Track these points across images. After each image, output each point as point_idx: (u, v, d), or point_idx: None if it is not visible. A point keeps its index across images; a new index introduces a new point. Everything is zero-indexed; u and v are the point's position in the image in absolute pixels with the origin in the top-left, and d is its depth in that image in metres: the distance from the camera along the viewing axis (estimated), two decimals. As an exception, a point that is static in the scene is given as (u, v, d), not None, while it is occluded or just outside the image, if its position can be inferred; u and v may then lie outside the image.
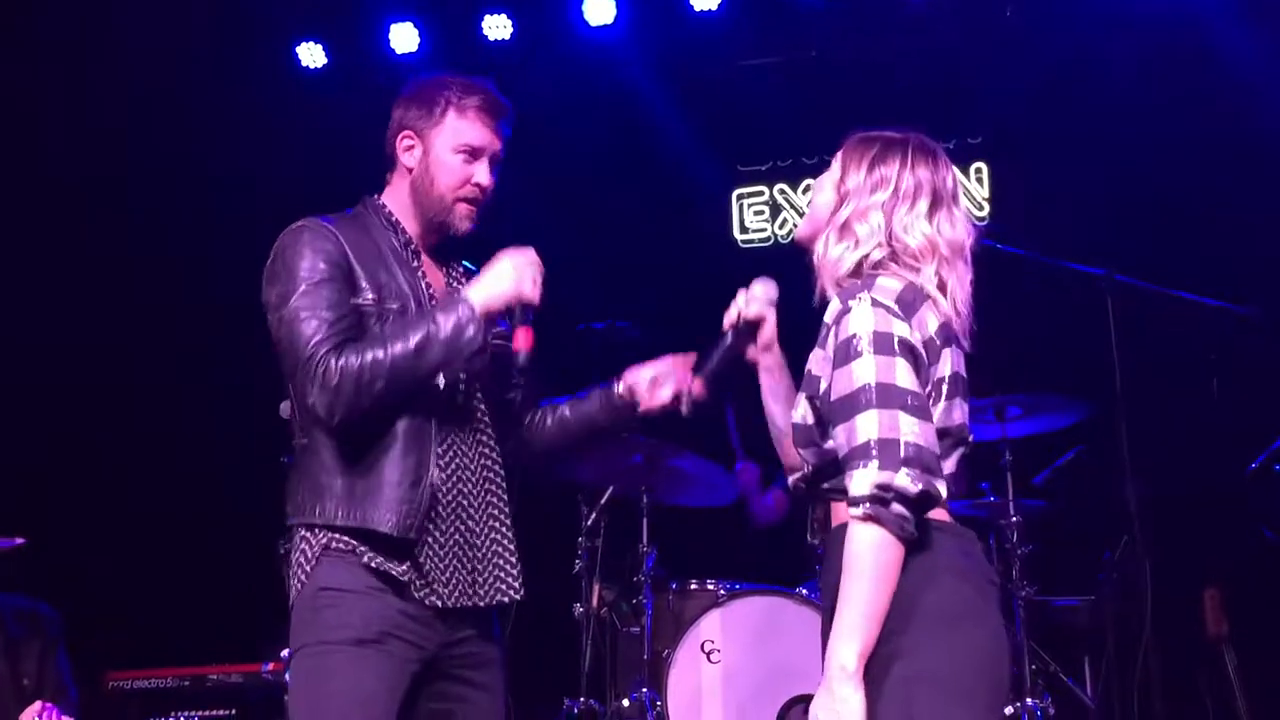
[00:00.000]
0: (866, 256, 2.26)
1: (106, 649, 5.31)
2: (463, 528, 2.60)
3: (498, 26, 6.10)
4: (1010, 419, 4.66)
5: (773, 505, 5.37)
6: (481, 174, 2.69)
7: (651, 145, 6.36)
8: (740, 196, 6.59)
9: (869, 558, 2.08)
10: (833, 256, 2.29)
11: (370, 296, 2.58)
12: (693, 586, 4.67)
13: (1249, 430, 4.78)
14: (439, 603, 2.54)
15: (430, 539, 2.55)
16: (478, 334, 2.53)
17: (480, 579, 2.61)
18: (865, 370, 2.14)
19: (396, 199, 2.73)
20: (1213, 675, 4.99)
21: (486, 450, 2.68)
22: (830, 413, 2.19)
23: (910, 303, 2.21)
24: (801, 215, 6.49)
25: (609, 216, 6.29)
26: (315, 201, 2.79)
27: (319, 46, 6.24)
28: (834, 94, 6.17)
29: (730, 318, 2.53)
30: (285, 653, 3.65)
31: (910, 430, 2.10)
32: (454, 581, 2.56)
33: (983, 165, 6.23)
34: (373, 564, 2.50)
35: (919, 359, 2.18)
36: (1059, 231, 5.20)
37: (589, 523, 4.72)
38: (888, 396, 2.12)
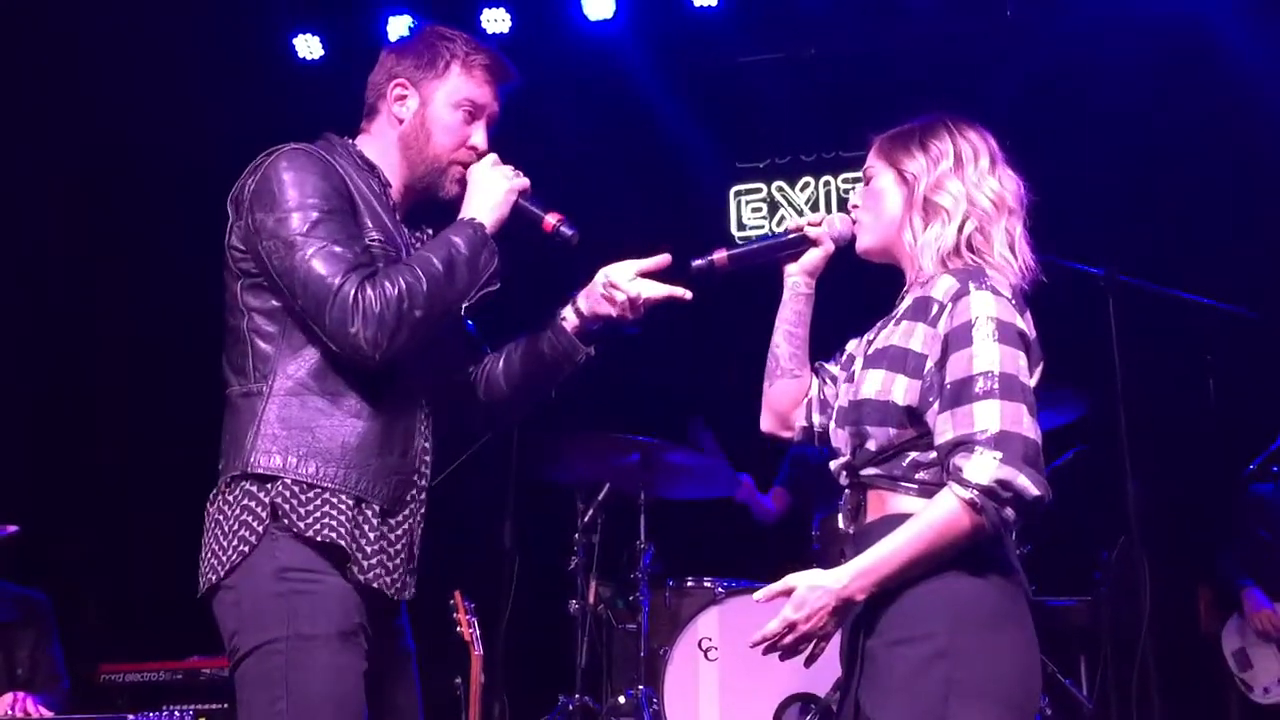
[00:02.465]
0: (962, 228, 2.21)
1: (99, 641, 5.30)
2: (410, 509, 2.39)
3: (496, 20, 6.07)
4: (1009, 418, 4.64)
5: (773, 509, 5.37)
6: (479, 136, 2.52)
7: (649, 141, 6.35)
8: (738, 193, 6.58)
9: (945, 533, 2.02)
10: (929, 237, 2.22)
11: (376, 236, 2.39)
12: (690, 584, 4.66)
13: (1247, 431, 4.78)
14: (386, 591, 2.31)
15: (396, 519, 2.35)
16: (493, 255, 2.39)
17: (410, 569, 2.39)
18: (990, 357, 2.06)
19: (377, 150, 2.51)
20: (1209, 674, 5.00)
21: (425, 427, 2.45)
22: (938, 394, 2.09)
23: (1022, 297, 2.19)
24: (799, 212, 6.53)
25: (606, 213, 6.26)
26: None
27: (316, 38, 6.22)
28: (833, 92, 6.17)
29: (793, 223, 2.48)
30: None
31: (1030, 427, 2.04)
32: (398, 569, 2.34)
33: (982, 163, 6.21)
34: (311, 531, 2.24)
35: (1033, 356, 2.15)
36: (1058, 231, 5.16)
37: (585, 519, 4.70)
38: (1011, 388, 2.05)
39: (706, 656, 4.45)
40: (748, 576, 4.66)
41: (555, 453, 4.68)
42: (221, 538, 2.30)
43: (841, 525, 2.32)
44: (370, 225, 2.39)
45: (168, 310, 6.07)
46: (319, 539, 2.25)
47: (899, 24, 6.10)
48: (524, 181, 2.49)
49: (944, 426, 2.07)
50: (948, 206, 2.23)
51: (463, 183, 2.50)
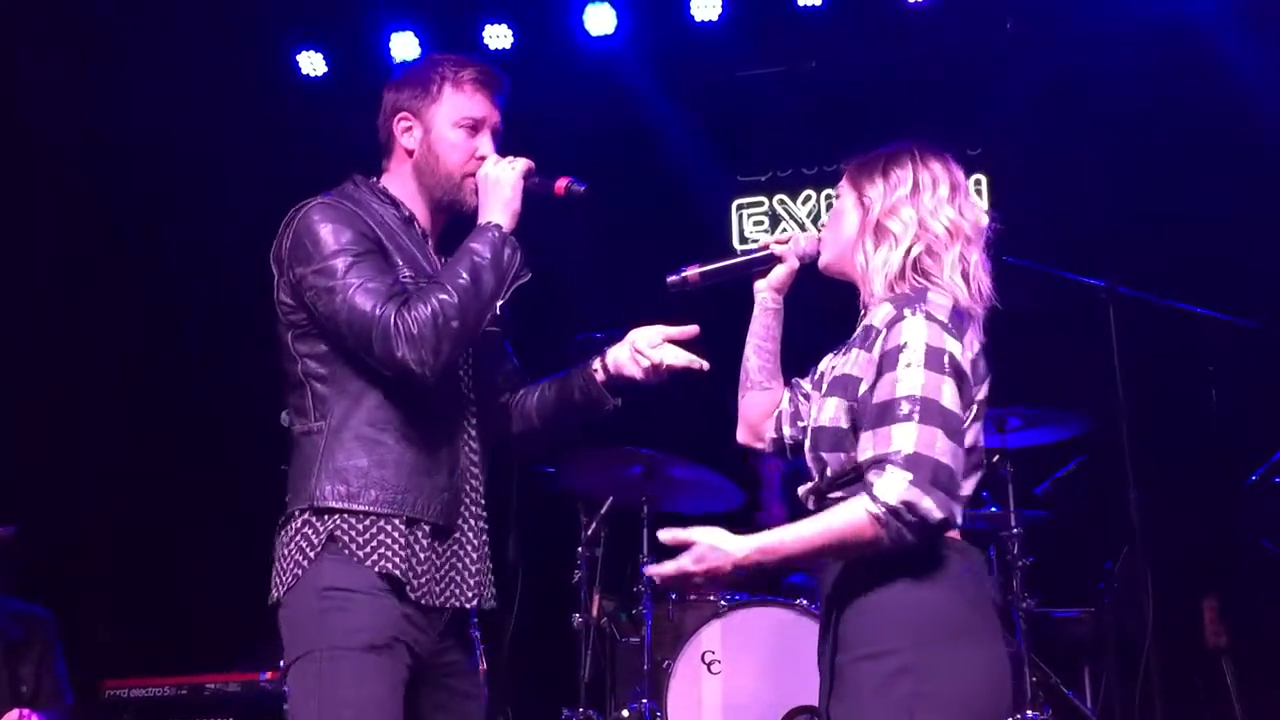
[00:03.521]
0: (909, 251, 2.28)
1: (104, 657, 5.30)
2: (464, 523, 2.58)
3: (498, 36, 6.10)
4: (1011, 430, 4.66)
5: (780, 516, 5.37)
6: (486, 146, 2.64)
7: (651, 155, 6.36)
8: (740, 206, 6.60)
9: (847, 537, 2.10)
10: (878, 262, 2.31)
11: (408, 273, 2.53)
12: (693, 597, 4.65)
13: (1249, 442, 4.78)
14: (432, 602, 2.49)
15: (442, 533, 2.52)
16: (515, 251, 2.53)
17: (469, 579, 2.56)
18: (912, 381, 2.14)
19: (399, 184, 2.67)
20: (1212, 687, 4.99)
21: (472, 442, 2.63)
22: (864, 415, 2.18)
23: (961, 320, 2.24)
24: (802, 227, 6.55)
25: (609, 226, 6.29)
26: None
27: (319, 55, 6.24)
28: (833, 105, 6.18)
29: (764, 240, 2.60)
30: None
31: (944, 451, 2.10)
32: (445, 579, 2.52)
33: (982, 177, 6.23)
34: (370, 560, 2.42)
35: (965, 380, 2.20)
36: (1059, 244, 5.20)
37: (589, 532, 4.70)
38: (929, 413, 2.12)
39: (710, 670, 4.44)
40: (750, 590, 4.66)
41: (558, 465, 4.69)
42: (283, 561, 2.51)
43: None
44: (400, 263, 2.54)
45: (173, 323, 6.09)
46: (376, 569, 2.43)
47: (899, 36, 6.11)
48: (525, 163, 2.60)
49: (865, 445, 2.16)
50: (896, 231, 2.30)
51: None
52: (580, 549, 4.68)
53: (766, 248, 2.59)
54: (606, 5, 6.06)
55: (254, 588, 4.47)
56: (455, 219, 2.69)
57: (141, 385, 6.12)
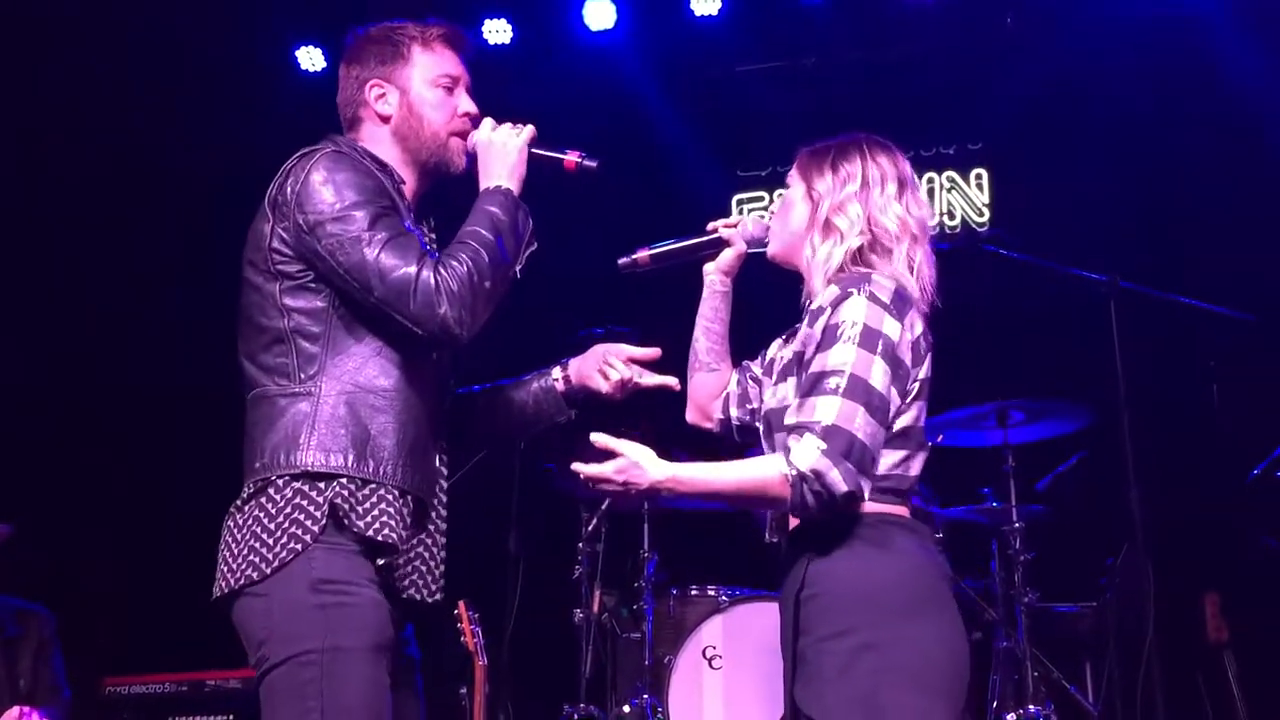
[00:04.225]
0: (849, 247, 2.33)
1: (104, 654, 5.29)
2: (433, 512, 2.47)
3: (497, 30, 6.09)
4: (1013, 424, 4.66)
5: None
6: (467, 103, 2.58)
7: (651, 150, 6.36)
8: (740, 202, 6.59)
9: (757, 490, 2.17)
10: (822, 256, 2.35)
11: (414, 232, 2.43)
12: (694, 592, 4.66)
13: (1250, 437, 4.77)
14: (417, 596, 2.39)
15: (424, 522, 2.42)
16: (527, 216, 2.48)
17: (430, 572, 2.45)
18: (843, 357, 2.19)
19: (380, 152, 2.53)
20: (1213, 682, 4.98)
21: (444, 428, 2.53)
22: (800, 385, 2.23)
23: (903, 303, 2.27)
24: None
25: (608, 221, 6.28)
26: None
27: (318, 50, 6.24)
28: (834, 100, 6.17)
29: (713, 224, 2.65)
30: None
31: (863, 428, 2.15)
32: (425, 572, 2.42)
33: (983, 171, 6.23)
34: (371, 530, 2.28)
35: (900, 364, 2.23)
36: (1060, 238, 5.19)
37: (589, 528, 4.71)
38: (855, 389, 2.17)
39: (711, 665, 4.44)
40: (752, 585, 4.65)
41: (559, 462, 4.68)
42: (264, 538, 2.29)
43: (768, 537, 2.41)
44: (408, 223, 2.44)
45: (172, 319, 6.08)
46: (379, 538, 2.29)
47: (900, 32, 6.11)
48: (530, 130, 2.54)
49: (791, 414, 2.21)
50: (843, 229, 2.34)
51: (470, 155, 2.55)
52: (581, 545, 4.69)
53: (715, 231, 2.63)
54: (606, 0, 6.05)
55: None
56: (436, 187, 2.61)
57: (142, 380, 6.11)
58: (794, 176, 2.45)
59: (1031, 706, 4.38)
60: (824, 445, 2.12)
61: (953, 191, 6.24)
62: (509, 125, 2.54)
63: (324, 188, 2.36)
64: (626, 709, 4.55)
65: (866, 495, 2.16)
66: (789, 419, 2.20)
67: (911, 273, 2.32)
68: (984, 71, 6.01)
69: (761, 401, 2.44)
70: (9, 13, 5.52)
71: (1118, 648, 4.63)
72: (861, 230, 2.32)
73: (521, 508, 4.78)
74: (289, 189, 2.39)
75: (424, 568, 2.42)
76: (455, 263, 2.32)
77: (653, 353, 2.66)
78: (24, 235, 5.84)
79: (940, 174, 6.25)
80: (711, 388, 2.62)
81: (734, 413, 2.59)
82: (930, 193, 6.22)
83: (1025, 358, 5.41)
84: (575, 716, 4.56)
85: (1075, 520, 4.87)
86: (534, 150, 2.54)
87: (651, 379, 2.64)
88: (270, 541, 2.28)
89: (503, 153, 2.49)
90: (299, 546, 2.26)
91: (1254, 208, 5.49)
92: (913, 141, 6.18)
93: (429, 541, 2.44)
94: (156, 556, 5.87)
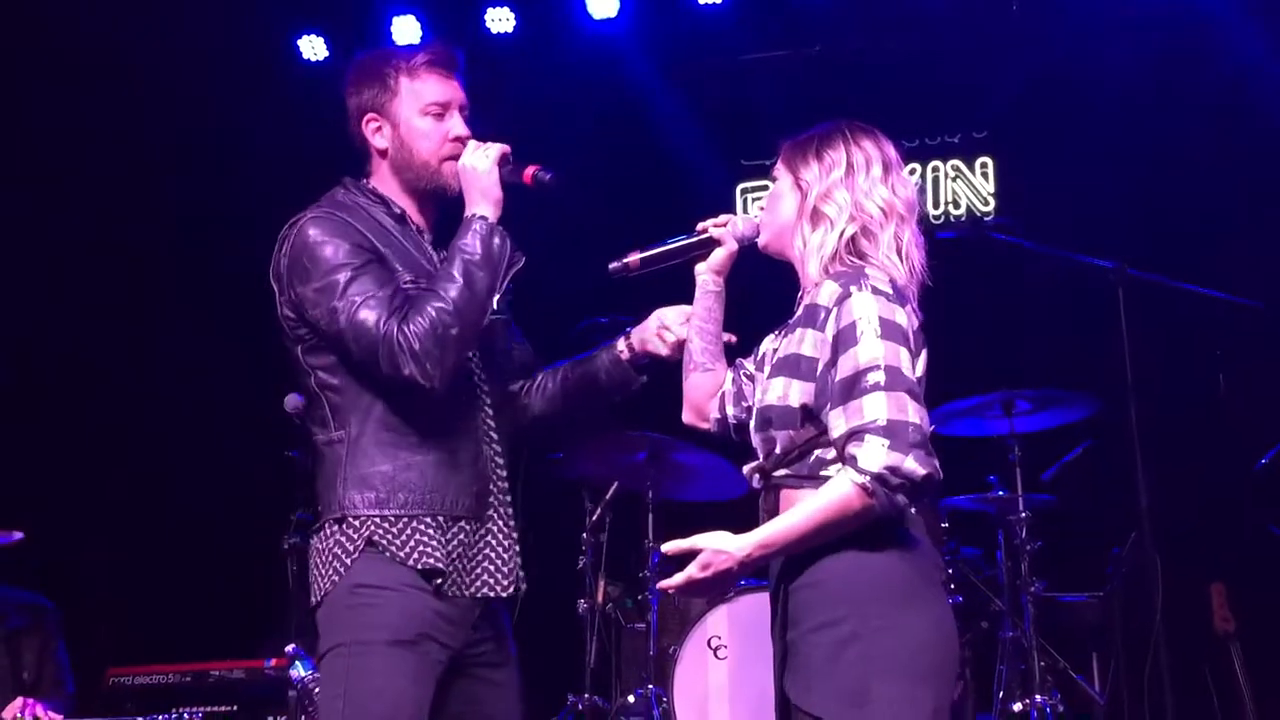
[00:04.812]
0: (843, 234, 2.33)
1: (108, 644, 5.29)
2: (492, 513, 2.59)
3: (500, 19, 6.07)
4: (1019, 413, 4.64)
5: None
6: (457, 126, 2.62)
7: (654, 139, 6.34)
8: (744, 191, 6.57)
9: (838, 511, 2.15)
10: (814, 244, 2.35)
11: (407, 276, 2.52)
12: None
13: (1258, 426, 4.76)
14: (464, 593, 2.51)
15: (473, 525, 2.54)
16: (504, 239, 2.52)
17: (500, 568, 2.58)
18: (873, 352, 2.18)
19: (384, 184, 2.66)
20: (1219, 671, 4.97)
21: (491, 433, 2.63)
22: (830, 394, 2.21)
23: (900, 296, 2.28)
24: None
25: (612, 210, 6.26)
26: (318, 195, 2.75)
27: (320, 39, 6.22)
28: (838, 89, 6.15)
29: (702, 224, 2.64)
30: (290, 648, 3.64)
31: (915, 414, 2.16)
32: (477, 570, 2.54)
33: (988, 160, 6.21)
34: (411, 559, 2.45)
35: (912, 349, 2.24)
36: (1065, 226, 5.17)
37: (594, 518, 4.70)
38: (895, 380, 2.17)
39: (716, 655, 4.43)
40: (757, 575, 4.63)
41: (564, 451, 4.67)
42: (321, 567, 2.52)
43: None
44: (399, 267, 2.53)
45: (175, 312, 6.07)
46: (420, 566, 2.46)
47: (904, 19, 6.08)
48: (499, 148, 2.57)
49: (837, 421, 2.20)
50: (832, 215, 2.35)
51: (459, 176, 2.60)
52: (585, 535, 4.68)
53: (705, 231, 2.63)
54: (609, -12, 6.04)
55: (258, 575, 4.47)
56: (448, 207, 2.67)
57: (146, 373, 6.10)
58: (780, 169, 2.46)
59: (1038, 696, 4.37)
60: (888, 441, 2.12)
61: (958, 180, 6.22)
62: (483, 147, 2.58)
63: (306, 258, 2.49)
64: (631, 699, 4.55)
65: (941, 475, 2.17)
66: (836, 430, 2.19)
67: (900, 254, 2.33)
68: (988, 60, 5.99)
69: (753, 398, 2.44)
70: (5, 4, 5.51)
71: (1124, 637, 4.62)
72: (852, 216, 2.33)
73: (525, 498, 4.76)
74: (282, 263, 2.54)
75: (492, 566, 2.56)
76: (420, 318, 2.41)
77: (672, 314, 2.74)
78: (21, 230, 5.83)
79: (945, 163, 6.23)
80: (707, 387, 2.63)
81: (730, 411, 2.59)
82: (935, 182, 6.20)
83: (1031, 346, 5.40)
84: (580, 706, 4.56)
85: (1082, 510, 4.86)
86: (503, 170, 2.57)
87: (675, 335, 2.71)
88: (323, 570, 2.52)
89: (475, 177, 2.55)
90: (337, 577, 2.48)
91: (1260, 194, 5.48)
92: (918, 130, 6.17)
93: (495, 539, 2.57)
94: (160, 547, 5.87)
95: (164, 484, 5.91)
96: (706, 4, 6.06)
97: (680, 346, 2.68)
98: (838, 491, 2.15)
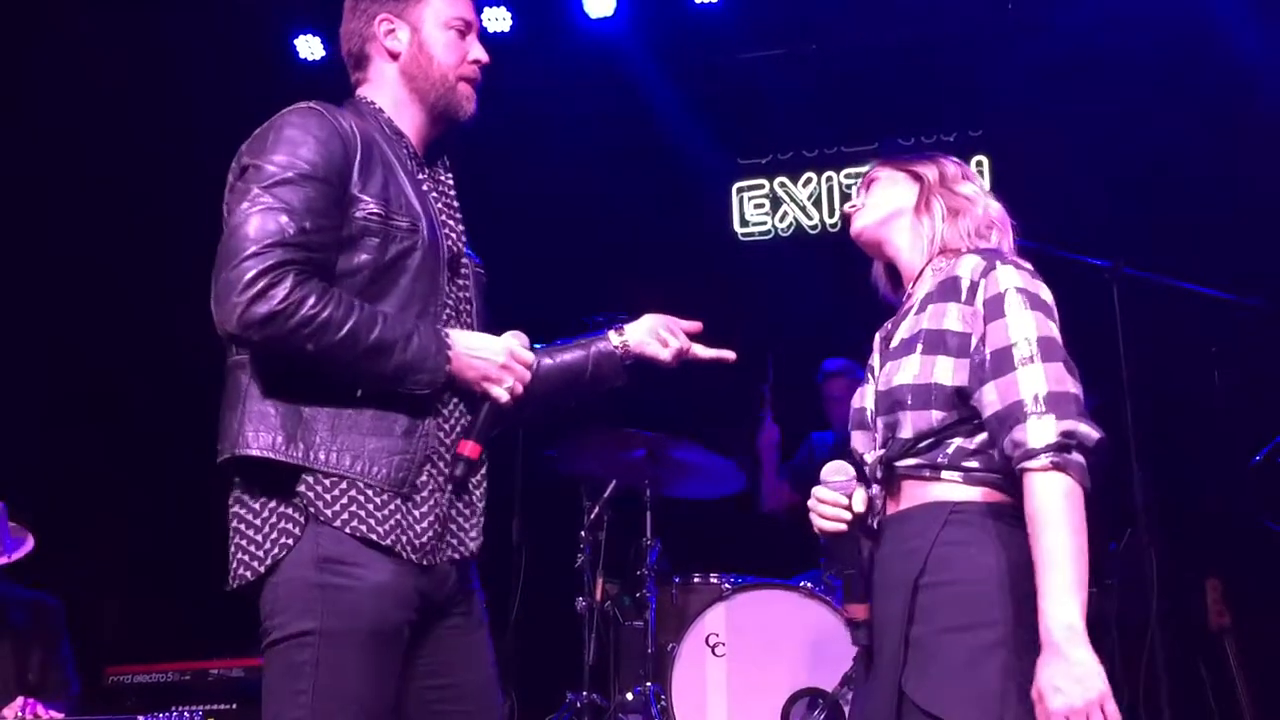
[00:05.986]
0: (975, 216, 2.32)
1: (106, 642, 5.30)
2: (447, 473, 2.31)
3: (497, 19, 6.08)
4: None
5: (777, 501, 5.38)
6: (479, 50, 2.48)
7: (651, 138, 6.35)
8: (740, 189, 6.59)
9: (1065, 506, 2.00)
10: (942, 225, 2.32)
11: (374, 209, 2.25)
12: (696, 580, 4.66)
13: (1253, 422, 4.77)
14: (456, 555, 2.29)
15: (420, 493, 2.25)
16: (431, 383, 2.22)
17: (466, 531, 2.34)
18: (1025, 324, 2.12)
19: (386, 94, 2.45)
20: (1215, 667, 4.99)
21: (440, 409, 2.34)
22: (980, 368, 2.12)
23: (1036, 272, 2.25)
24: (801, 209, 6.53)
25: (609, 209, 6.28)
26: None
27: (317, 39, 6.23)
28: (834, 87, 6.17)
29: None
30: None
31: (1073, 384, 2.09)
32: (431, 534, 2.26)
33: (984, 158, 6.23)
34: (359, 531, 2.16)
35: (1057, 322, 2.19)
36: (1060, 225, 5.18)
37: (591, 516, 4.70)
38: (1051, 350, 2.11)
39: (714, 653, 4.44)
40: (755, 572, 4.66)
41: (561, 449, 4.68)
42: (254, 534, 2.26)
43: (867, 520, 2.26)
44: (371, 197, 2.25)
45: (172, 313, 6.07)
46: (347, 530, 2.18)
47: (900, 19, 6.09)
48: (505, 398, 2.30)
49: (990, 396, 2.10)
50: (970, 195, 2.35)
51: (474, 101, 2.47)
52: (583, 533, 4.68)
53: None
54: (606, -12, 6.05)
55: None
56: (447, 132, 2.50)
57: (144, 374, 6.11)
58: (883, 169, 2.43)
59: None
60: (1053, 413, 2.03)
61: (954, 178, 6.23)
62: (520, 376, 2.31)
63: (270, 134, 2.25)
64: (630, 697, 4.55)
65: (1107, 441, 2.07)
66: (990, 407, 2.07)
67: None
68: (984, 58, 6.00)
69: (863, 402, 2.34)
70: (4, 5, 5.51)
71: (1120, 633, 4.63)
72: (984, 205, 2.33)
73: (524, 496, 4.78)
74: (256, 130, 2.31)
75: (456, 525, 2.32)
76: (314, 297, 2.12)
77: (696, 325, 2.65)
78: (19, 226, 5.83)
79: (941, 161, 6.24)
80: None
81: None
82: (931, 179, 6.21)
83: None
84: (579, 704, 4.56)
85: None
86: (487, 405, 2.30)
87: (707, 351, 2.63)
88: (261, 538, 2.27)
89: (487, 355, 2.28)
90: (290, 540, 2.22)
91: (1257, 191, 5.49)
92: (913, 128, 6.19)
93: (417, 514, 2.26)
94: (160, 546, 5.88)
95: (163, 482, 5.91)
96: (702, 3, 6.08)
97: (679, 355, 2.59)
98: (1039, 496, 2.00)
